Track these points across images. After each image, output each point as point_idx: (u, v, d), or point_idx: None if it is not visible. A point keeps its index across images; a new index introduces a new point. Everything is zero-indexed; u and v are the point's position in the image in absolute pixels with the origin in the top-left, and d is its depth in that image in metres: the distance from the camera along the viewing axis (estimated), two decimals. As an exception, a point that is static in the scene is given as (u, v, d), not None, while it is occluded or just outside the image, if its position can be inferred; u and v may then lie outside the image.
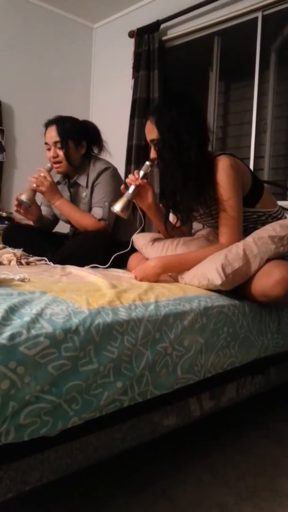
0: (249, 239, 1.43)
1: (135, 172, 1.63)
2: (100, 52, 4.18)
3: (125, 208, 1.62)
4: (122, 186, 1.65)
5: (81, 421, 0.94)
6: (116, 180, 2.22)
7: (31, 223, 2.36)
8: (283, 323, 1.54)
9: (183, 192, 1.51)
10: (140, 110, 3.37)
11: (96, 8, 3.86)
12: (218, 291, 1.39)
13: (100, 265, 1.80)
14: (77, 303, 1.01)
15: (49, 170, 2.13)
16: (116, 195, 2.18)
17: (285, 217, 1.69)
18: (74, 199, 2.28)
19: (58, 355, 0.88)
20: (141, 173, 1.62)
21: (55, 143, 2.13)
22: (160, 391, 1.12)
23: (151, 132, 1.56)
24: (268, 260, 1.39)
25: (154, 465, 1.36)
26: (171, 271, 1.52)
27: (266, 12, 2.85)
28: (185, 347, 1.17)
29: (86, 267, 1.71)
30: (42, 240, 2.26)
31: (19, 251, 1.87)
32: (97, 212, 2.16)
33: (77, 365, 0.91)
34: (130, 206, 1.66)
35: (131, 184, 1.61)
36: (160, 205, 1.71)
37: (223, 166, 1.49)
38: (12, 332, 0.82)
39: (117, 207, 1.62)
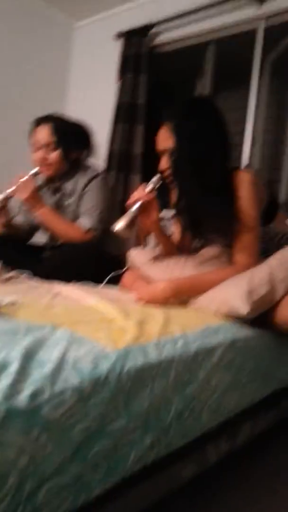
0: (274, 261, 1.29)
1: (142, 186, 1.46)
2: (80, 51, 3.85)
3: (129, 226, 1.43)
4: (128, 203, 1.46)
5: (104, 491, 0.76)
6: (107, 188, 2.04)
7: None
8: (299, 353, 1.42)
9: (204, 212, 1.36)
10: (125, 114, 3.17)
11: (80, 5, 3.56)
12: (238, 319, 1.25)
13: (89, 280, 1.62)
14: (101, 342, 0.83)
15: (35, 175, 1.91)
16: (107, 204, 2.00)
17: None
18: (58, 207, 2.06)
19: (85, 413, 0.70)
20: (150, 186, 1.45)
21: (47, 144, 1.91)
22: (185, 441, 0.96)
23: (166, 140, 1.40)
24: (292, 286, 1.26)
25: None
26: (182, 296, 1.35)
27: (265, 24, 2.71)
28: (212, 388, 1.02)
29: (75, 285, 1.53)
30: (17, 253, 2.01)
31: (-4, 265, 1.64)
32: (84, 222, 1.94)
33: (104, 423, 0.74)
34: (134, 224, 1.47)
35: (138, 200, 1.43)
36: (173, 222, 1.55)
37: (245, 183, 1.36)
38: (34, 390, 0.63)
39: (119, 226, 1.41)
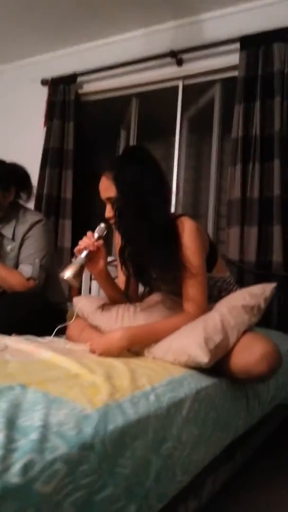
0: (223, 309, 1.33)
1: (89, 234, 1.45)
2: (3, 94, 3.83)
3: (77, 275, 1.41)
4: (76, 249, 1.44)
5: None
6: (49, 235, 1.99)
7: None
8: (250, 400, 1.44)
9: (150, 258, 1.38)
10: (53, 159, 3.22)
11: (2, 51, 3.60)
12: (195, 368, 1.24)
13: (32, 330, 1.55)
14: (78, 402, 0.77)
15: None
16: (49, 251, 1.95)
17: (237, 286, 1.64)
18: None
19: (74, 484, 0.63)
20: (96, 235, 1.45)
21: None
22: (162, 504, 0.91)
23: (108, 189, 1.41)
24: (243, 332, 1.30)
25: None
26: (138, 345, 1.33)
27: (183, 83, 2.96)
28: (183, 443, 0.98)
29: (19, 337, 1.45)
30: None
31: None
32: (26, 269, 1.85)
33: (91, 494, 0.67)
34: (82, 272, 1.45)
35: (86, 248, 1.42)
36: (119, 270, 1.54)
37: (189, 229, 1.39)
38: (25, 462, 0.57)
39: (69, 274, 1.39)
